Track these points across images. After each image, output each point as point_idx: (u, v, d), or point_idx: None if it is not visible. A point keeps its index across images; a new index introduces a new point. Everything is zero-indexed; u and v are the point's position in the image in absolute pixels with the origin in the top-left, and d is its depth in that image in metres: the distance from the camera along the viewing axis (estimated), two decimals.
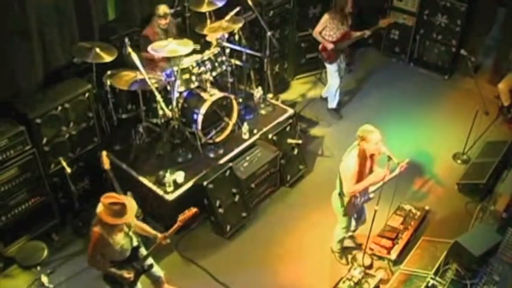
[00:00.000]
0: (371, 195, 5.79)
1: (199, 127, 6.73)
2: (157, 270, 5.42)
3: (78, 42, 6.48)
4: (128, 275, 4.98)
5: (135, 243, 5.09)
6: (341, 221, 5.94)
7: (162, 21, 6.90)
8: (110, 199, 4.69)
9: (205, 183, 6.44)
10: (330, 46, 7.88)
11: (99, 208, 4.70)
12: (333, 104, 8.55)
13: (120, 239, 4.89)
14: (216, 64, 7.00)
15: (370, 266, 6.24)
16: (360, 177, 5.50)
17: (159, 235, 5.10)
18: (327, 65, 8.23)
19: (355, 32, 8.03)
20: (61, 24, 6.31)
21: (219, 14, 7.30)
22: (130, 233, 5.02)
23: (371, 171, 5.60)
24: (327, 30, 7.89)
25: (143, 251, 5.20)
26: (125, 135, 6.97)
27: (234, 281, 6.14)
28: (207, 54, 6.93)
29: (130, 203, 4.80)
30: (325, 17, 7.86)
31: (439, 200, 7.15)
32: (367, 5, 9.66)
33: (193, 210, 5.20)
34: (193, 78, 6.80)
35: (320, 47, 8.06)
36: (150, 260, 5.25)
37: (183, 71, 6.68)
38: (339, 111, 8.62)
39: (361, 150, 5.41)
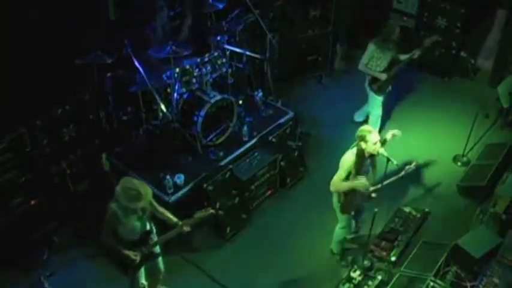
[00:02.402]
0: (373, 195, 5.80)
1: (200, 129, 6.73)
2: (161, 262, 5.53)
3: (79, 43, 6.48)
4: (134, 256, 5.06)
5: (147, 228, 5.19)
6: (340, 219, 5.96)
7: (160, 13, 6.89)
8: (128, 183, 4.84)
9: (205, 185, 6.45)
10: (383, 77, 7.44)
11: (118, 187, 4.83)
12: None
13: (132, 221, 5.01)
14: (217, 66, 7.02)
15: (370, 268, 6.24)
16: (357, 176, 5.54)
17: (180, 222, 5.19)
18: (374, 96, 7.71)
19: (402, 56, 7.57)
20: (62, 24, 6.32)
21: (219, 15, 7.31)
22: (144, 217, 5.12)
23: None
24: (374, 60, 7.42)
25: (154, 237, 5.28)
26: (125, 137, 6.97)
27: (233, 282, 6.15)
28: (207, 56, 6.94)
29: (146, 191, 4.89)
30: (371, 47, 7.39)
31: (439, 202, 7.14)
32: (368, 7, 9.70)
33: (210, 211, 5.30)
34: (194, 80, 6.81)
35: (370, 79, 7.60)
36: (158, 249, 5.35)
37: (184, 72, 6.69)
38: None
39: (359, 150, 5.46)
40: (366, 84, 7.71)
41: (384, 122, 8.18)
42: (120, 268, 5.26)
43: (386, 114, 8.45)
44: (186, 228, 5.17)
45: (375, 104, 7.83)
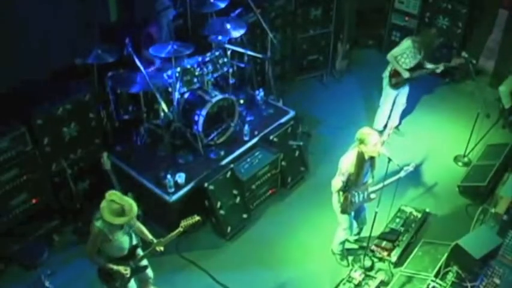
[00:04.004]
0: (372, 196, 5.81)
1: (201, 128, 6.73)
2: (149, 271, 5.50)
3: (79, 43, 6.48)
4: (124, 271, 5.03)
5: (134, 242, 5.16)
6: (341, 220, 5.95)
7: (168, 13, 6.90)
8: (112, 196, 4.77)
9: (206, 184, 6.45)
10: (406, 75, 7.49)
11: (103, 203, 4.76)
12: (378, 125, 8.15)
13: (119, 237, 4.94)
14: (218, 65, 7.02)
15: (371, 268, 6.24)
16: (357, 178, 5.56)
17: (155, 241, 5.16)
18: (388, 88, 7.77)
19: (428, 64, 7.66)
20: (63, 24, 6.32)
21: (221, 15, 7.31)
22: (131, 231, 5.08)
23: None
24: (404, 57, 7.45)
25: (140, 252, 5.24)
26: (126, 137, 6.97)
27: (234, 282, 6.14)
28: (209, 55, 6.94)
29: (130, 207, 4.81)
30: (408, 43, 7.42)
31: (439, 202, 7.15)
32: (368, 6, 9.70)
33: (196, 218, 5.20)
34: (195, 79, 6.81)
35: (392, 71, 7.61)
36: (145, 261, 5.31)
37: (185, 72, 6.69)
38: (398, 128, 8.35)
39: (359, 152, 5.45)
40: (384, 74, 7.73)
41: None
42: (106, 284, 5.22)
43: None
44: (159, 249, 5.13)
45: (387, 97, 7.88)
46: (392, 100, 7.91)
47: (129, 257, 5.12)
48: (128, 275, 5.08)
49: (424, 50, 7.47)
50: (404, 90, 7.87)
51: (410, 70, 7.52)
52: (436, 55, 8.35)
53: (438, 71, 7.69)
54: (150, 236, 5.24)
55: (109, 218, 4.70)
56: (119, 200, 4.76)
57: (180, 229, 5.12)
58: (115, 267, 4.98)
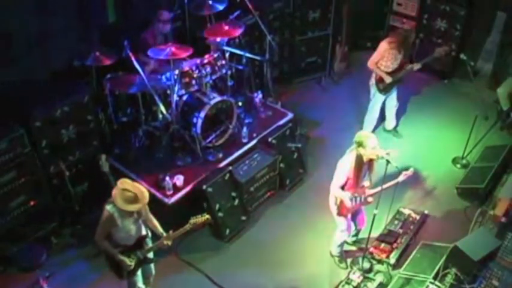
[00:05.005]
0: (369, 199, 5.80)
1: (199, 131, 6.72)
2: (153, 267, 5.53)
3: (78, 45, 6.48)
4: (129, 262, 5.04)
5: (143, 232, 5.18)
6: (338, 222, 5.95)
7: (165, 26, 6.92)
8: (125, 185, 4.82)
9: (204, 186, 6.44)
10: (389, 80, 7.48)
11: (114, 190, 4.81)
12: (368, 127, 8.07)
13: (128, 224, 4.98)
14: (216, 68, 7.01)
15: (370, 270, 6.24)
16: (355, 181, 5.56)
17: (164, 234, 5.16)
18: (377, 93, 7.73)
19: (408, 64, 7.61)
20: (61, 26, 6.32)
21: (219, 17, 7.31)
22: (140, 221, 5.11)
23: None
24: (384, 60, 7.42)
25: (149, 243, 5.26)
26: (125, 139, 6.97)
27: (232, 284, 6.13)
28: (207, 57, 6.94)
29: (142, 194, 4.86)
30: (384, 46, 7.36)
31: (438, 204, 7.14)
32: (367, 8, 9.71)
33: (206, 216, 5.21)
34: (193, 81, 6.80)
35: (377, 77, 7.58)
36: (152, 254, 5.33)
37: (183, 74, 6.69)
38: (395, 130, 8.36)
39: (358, 156, 5.44)
40: (371, 82, 7.72)
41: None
42: (114, 272, 5.23)
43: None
44: (167, 242, 5.13)
45: (376, 104, 7.86)
46: (380, 106, 7.91)
47: (137, 247, 5.14)
48: (132, 268, 5.08)
49: (403, 47, 7.41)
50: (393, 93, 7.87)
51: (394, 72, 7.51)
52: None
53: (416, 68, 7.61)
54: (160, 230, 5.24)
55: (122, 204, 4.75)
56: (131, 187, 4.81)
57: (189, 225, 5.14)
58: (121, 257, 5.01)
